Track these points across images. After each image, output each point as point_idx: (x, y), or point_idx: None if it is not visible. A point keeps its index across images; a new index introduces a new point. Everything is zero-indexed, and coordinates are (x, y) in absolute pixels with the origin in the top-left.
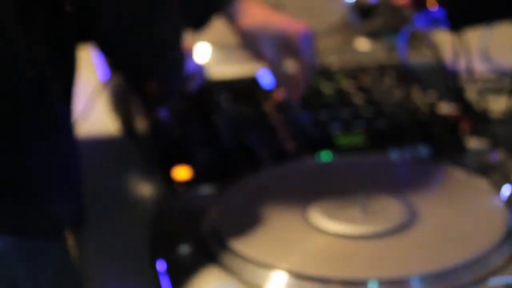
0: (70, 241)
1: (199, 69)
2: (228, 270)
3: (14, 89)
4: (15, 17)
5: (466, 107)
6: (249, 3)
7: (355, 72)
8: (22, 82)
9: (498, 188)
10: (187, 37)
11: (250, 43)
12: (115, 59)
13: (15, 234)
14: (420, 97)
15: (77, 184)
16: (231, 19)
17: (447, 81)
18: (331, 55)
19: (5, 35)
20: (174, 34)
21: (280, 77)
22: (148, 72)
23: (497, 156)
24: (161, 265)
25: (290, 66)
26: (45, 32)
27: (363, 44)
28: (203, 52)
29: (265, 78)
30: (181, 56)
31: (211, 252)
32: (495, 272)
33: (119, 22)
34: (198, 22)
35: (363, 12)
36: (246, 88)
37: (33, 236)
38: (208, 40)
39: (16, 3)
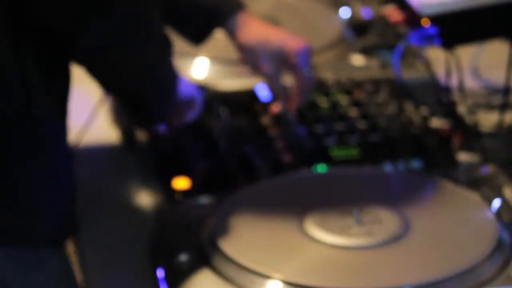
0: (69, 249)
1: (197, 97)
2: (225, 278)
3: (3, 105)
4: (6, 36)
5: (458, 122)
6: (248, 18)
7: (350, 87)
8: (13, 99)
9: (488, 200)
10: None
11: (249, 57)
12: (100, 83)
13: (5, 244)
14: (413, 112)
15: (68, 197)
16: (231, 33)
17: (440, 96)
18: (327, 70)
19: None
20: (157, 59)
21: (278, 91)
22: (134, 95)
23: (487, 169)
24: (160, 273)
25: (288, 80)
26: (36, 51)
27: (358, 59)
28: (202, 66)
29: (263, 91)
30: (167, 79)
31: (208, 260)
32: (485, 283)
33: (98, 49)
34: (199, 36)
35: (358, 28)
36: (244, 101)
37: (22, 246)
38: (208, 55)
39: (7, 23)
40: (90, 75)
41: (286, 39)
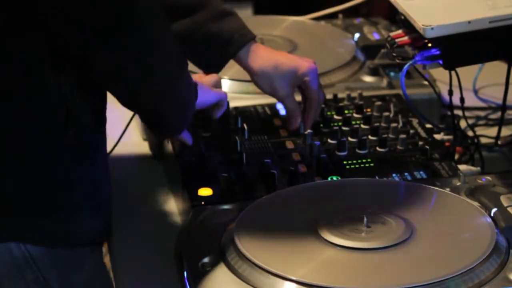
0: (104, 250)
1: (223, 98)
2: (246, 280)
3: (46, 121)
4: (46, 61)
5: (459, 136)
6: (257, 46)
7: (361, 104)
8: (53, 114)
9: (486, 208)
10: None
11: (264, 81)
12: (118, 99)
13: (45, 245)
14: (418, 127)
15: (105, 201)
16: (243, 61)
17: (443, 112)
18: (340, 88)
19: (38, 74)
20: (172, 76)
21: (294, 109)
22: (151, 111)
23: (486, 179)
24: (185, 275)
25: (299, 98)
26: (73, 71)
27: (368, 78)
28: (226, 85)
29: (282, 107)
30: (183, 94)
31: (230, 263)
32: (483, 283)
33: (111, 73)
34: (214, 67)
35: (369, 50)
36: (264, 115)
37: (61, 247)
38: (230, 76)
39: (46, 48)
40: (107, 90)
41: (297, 60)
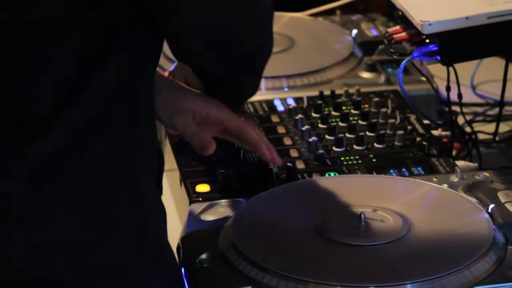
0: None
1: None
2: (243, 276)
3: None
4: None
5: (457, 132)
6: None
7: (359, 100)
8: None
9: (484, 204)
10: None
11: None
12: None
13: None
14: (416, 123)
15: None
16: None
17: (441, 108)
18: (338, 84)
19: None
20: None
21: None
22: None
23: (484, 175)
24: (183, 272)
25: None
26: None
27: (366, 74)
28: None
29: (280, 103)
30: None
31: (227, 259)
32: (480, 279)
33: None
34: None
35: (367, 46)
36: (262, 111)
37: None
38: None
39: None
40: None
41: None
